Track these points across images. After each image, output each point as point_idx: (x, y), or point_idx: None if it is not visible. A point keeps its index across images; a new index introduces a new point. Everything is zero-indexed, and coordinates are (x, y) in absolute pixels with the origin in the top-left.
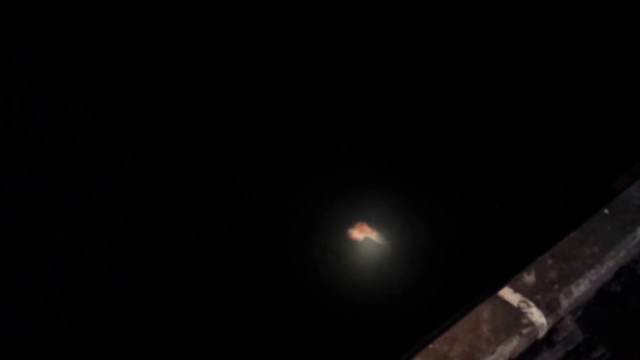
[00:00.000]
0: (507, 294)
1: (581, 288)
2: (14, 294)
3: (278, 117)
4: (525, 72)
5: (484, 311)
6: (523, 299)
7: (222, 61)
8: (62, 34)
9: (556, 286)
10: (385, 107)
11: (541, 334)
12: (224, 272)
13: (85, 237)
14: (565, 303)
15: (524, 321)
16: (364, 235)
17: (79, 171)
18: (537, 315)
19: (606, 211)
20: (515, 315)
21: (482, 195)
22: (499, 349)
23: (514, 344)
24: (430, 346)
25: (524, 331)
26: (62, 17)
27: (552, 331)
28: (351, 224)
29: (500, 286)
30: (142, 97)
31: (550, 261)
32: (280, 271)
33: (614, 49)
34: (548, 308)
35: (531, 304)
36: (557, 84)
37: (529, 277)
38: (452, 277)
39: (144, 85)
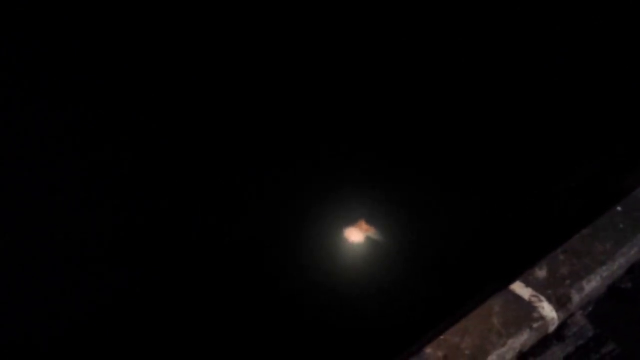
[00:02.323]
0: (519, 288)
1: (592, 284)
2: (14, 294)
3: (278, 118)
4: (527, 72)
5: (496, 305)
6: (535, 293)
7: (222, 61)
8: (62, 34)
9: (568, 282)
10: (385, 107)
11: (552, 329)
12: (224, 272)
13: (85, 237)
14: (576, 298)
15: (535, 315)
16: (365, 234)
17: (79, 171)
18: (548, 310)
19: (619, 208)
20: (527, 310)
21: (485, 194)
22: (510, 342)
23: (524, 338)
24: (442, 337)
25: (535, 325)
26: (62, 17)
27: (562, 326)
28: (352, 223)
29: (512, 281)
30: (142, 97)
31: (562, 257)
32: (281, 271)
33: (614, 49)
34: (559, 303)
35: (542, 298)
36: (559, 84)
37: (541, 272)
38: (462, 271)
39: (144, 85)
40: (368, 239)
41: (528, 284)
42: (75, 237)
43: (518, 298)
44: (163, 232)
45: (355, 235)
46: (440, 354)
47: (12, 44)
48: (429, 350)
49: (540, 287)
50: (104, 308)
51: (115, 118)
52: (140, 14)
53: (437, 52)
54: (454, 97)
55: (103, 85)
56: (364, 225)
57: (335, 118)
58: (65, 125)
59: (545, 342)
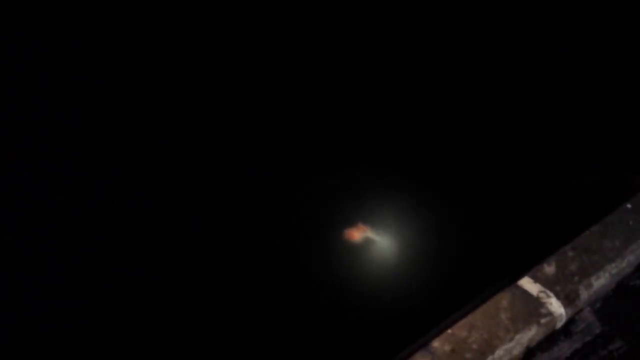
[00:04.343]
0: (527, 284)
1: (601, 280)
2: (13, 294)
3: (278, 118)
4: (528, 72)
5: (504, 300)
6: (543, 289)
7: (222, 61)
8: (62, 34)
9: (576, 278)
10: (385, 107)
11: (559, 324)
12: (223, 272)
13: (85, 237)
14: (584, 295)
15: (543, 311)
16: (363, 235)
17: (79, 171)
18: (556, 306)
19: (629, 206)
20: (535, 305)
21: (494, 191)
22: (517, 337)
23: (532, 333)
24: (449, 331)
25: (543, 321)
26: (62, 17)
27: (570, 322)
28: (351, 224)
29: (521, 276)
30: (141, 97)
31: (571, 253)
32: (283, 271)
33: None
34: (567, 299)
35: (551, 294)
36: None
37: (550, 268)
38: (470, 267)
39: (144, 85)
40: (367, 239)
41: (536, 280)
42: (75, 237)
43: (526, 293)
44: (163, 232)
45: (355, 236)
46: (447, 347)
47: (12, 44)
48: (436, 343)
49: (548, 283)
50: (104, 308)
51: (115, 118)
52: (139, 14)
53: (437, 52)
54: (455, 96)
55: (103, 85)
56: (361, 226)
57: (334, 118)
58: (65, 125)
59: (553, 337)
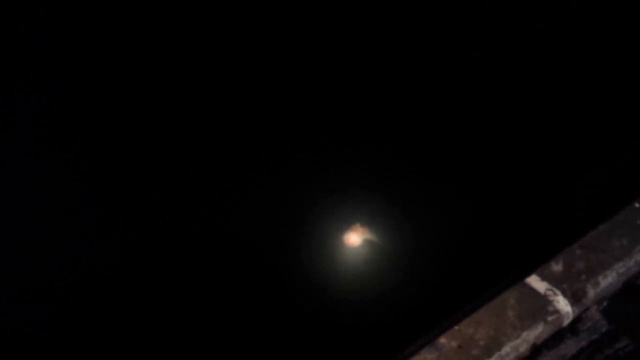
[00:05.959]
0: (534, 281)
1: (608, 279)
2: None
3: (274, 117)
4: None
5: (511, 297)
6: (550, 287)
7: (220, 55)
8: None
9: (583, 276)
10: (383, 107)
11: (566, 322)
12: (221, 273)
13: (83, 236)
14: (591, 293)
15: (550, 309)
16: (362, 236)
17: (78, 170)
18: (563, 304)
19: (637, 205)
20: (542, 303)
21: (501, 188)
22: (524, 334)
23: (538, 331)
24: (456, 327)
25: (549, 318)
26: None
27: (577, 320)
28: (348, 226)
29: (528, 274)
30: (140, 97)
31: (578, 252)
32: (283, 272)
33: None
34: (574, 297)
35: (558, 292)
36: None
37: (557, 266)
38: (478, 264)
39: (142, 85)
40: (366, 240)
41: (543, 278)
42: (69, 232)
43: (533, 291)
44: (160, 233)
45: (354, 238)
46: (454, 343)
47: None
48: (443, 339)
49: (555, 281)
50: (98, 306)
51: (114, 118)
52: (138, 13)
53: (442, 50)
54: (459, 93)
55: (103, 85)
56: (359, 227)
57: (333, 119)
58: (65, 124)
59: (559, 335)
